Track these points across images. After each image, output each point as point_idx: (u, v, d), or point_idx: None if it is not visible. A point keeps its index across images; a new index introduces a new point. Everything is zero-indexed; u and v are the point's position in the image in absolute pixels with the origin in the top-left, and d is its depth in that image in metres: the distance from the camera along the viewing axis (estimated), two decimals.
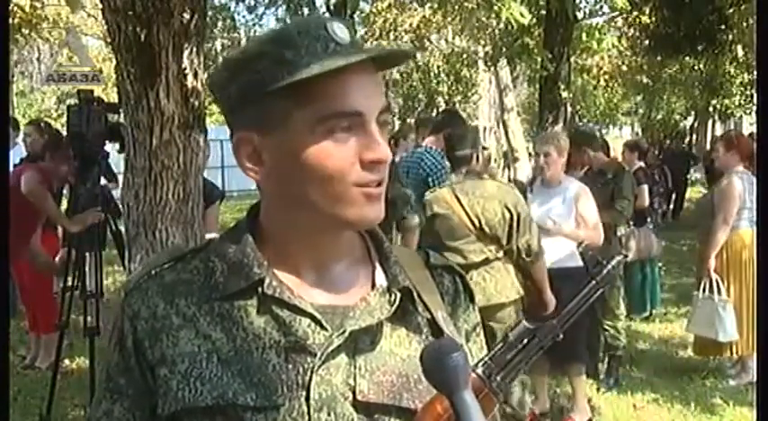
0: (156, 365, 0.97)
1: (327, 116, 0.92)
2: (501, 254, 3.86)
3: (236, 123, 0.98)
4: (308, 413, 0.94)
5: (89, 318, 4.17)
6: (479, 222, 3.81)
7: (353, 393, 0.96)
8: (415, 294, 1.02)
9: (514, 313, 3.86)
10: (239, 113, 0.97)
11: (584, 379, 4.64)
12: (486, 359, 0.99)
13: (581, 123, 19.13)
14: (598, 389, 5.18)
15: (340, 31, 0.94)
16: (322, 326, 0.96)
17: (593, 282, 1.07)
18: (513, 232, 3.81)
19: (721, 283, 5.03)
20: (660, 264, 7.28)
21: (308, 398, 0.94)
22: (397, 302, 1.00)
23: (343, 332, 0.96)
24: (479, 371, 0.97)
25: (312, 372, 0.94)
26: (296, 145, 0.93)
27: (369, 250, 1.05)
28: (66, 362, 5.28)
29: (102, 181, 4.98)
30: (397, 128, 9.28)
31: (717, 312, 4.98)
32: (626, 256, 1.12)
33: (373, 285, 1.02)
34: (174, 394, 0.95)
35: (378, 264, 1.04)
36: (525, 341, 1.00)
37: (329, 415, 0.95)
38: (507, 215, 3.80)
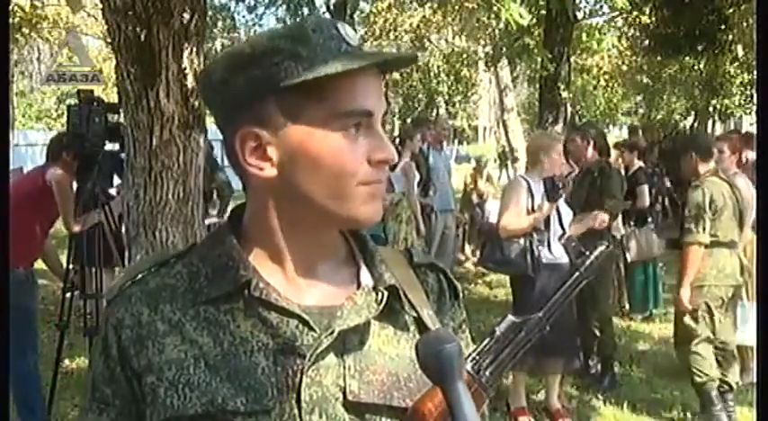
0: (142, 373, 0.96)
1: (341, 113, 0.93)
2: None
3: (238, 119, 0.96)
4: (300, 415, 0.93)
5: (89, 318, 4.18)
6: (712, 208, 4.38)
7: (344, 394, 0.95)
8: (401, 292, 1.02)
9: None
10: (243, 109, 0.95)
11: (558, 377, 4.65)
12: (474, 354, 0.99)
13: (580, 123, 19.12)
14: (598, 390, 5.17)
15: (350, 32, 0.96)
16: (310, 328, 0.95)
17: (578, 272, 1.07)
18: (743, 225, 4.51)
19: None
20: (661, 265, 7.27)
21: (298, 401, 0.93)
22: (384, 301, 0.99)
23: (332, 332, 0.95)
24: (468, 366, 0.97)
25: (302, 374, 0.93)
26: (308, 140, 0.94)
27: (353, 251, 1.05)
28: (67, 362, 5.27)
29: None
30: (397, 128, 9.29)
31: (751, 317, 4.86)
32: (609, 246, 1.12)
33: (359, 285, 1.02)
34: (163, 402, 0.94)
35: (363, 264, 1.04)
36: (512, 335, 1.00)
37: (321, 416, 0.93)
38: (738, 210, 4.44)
